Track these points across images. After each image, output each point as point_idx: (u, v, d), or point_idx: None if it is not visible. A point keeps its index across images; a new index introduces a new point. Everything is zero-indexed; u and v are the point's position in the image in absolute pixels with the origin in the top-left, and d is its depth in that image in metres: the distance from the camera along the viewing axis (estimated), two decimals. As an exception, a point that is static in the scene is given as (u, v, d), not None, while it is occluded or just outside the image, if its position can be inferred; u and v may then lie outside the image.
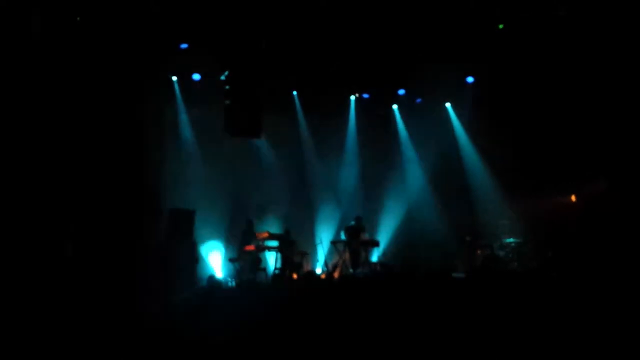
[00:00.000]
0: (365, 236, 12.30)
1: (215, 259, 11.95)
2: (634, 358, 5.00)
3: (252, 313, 7.29)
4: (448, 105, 13.97)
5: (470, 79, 12.94)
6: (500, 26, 10.90)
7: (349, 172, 13.61)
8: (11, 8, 8.75)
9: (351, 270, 11.81)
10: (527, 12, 10.26)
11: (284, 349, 5.90)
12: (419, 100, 13.79)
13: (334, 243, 12.40)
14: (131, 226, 10.04)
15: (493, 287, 8.19)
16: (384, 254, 12.97)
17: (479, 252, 12.23)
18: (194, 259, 10.64)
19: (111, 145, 10.59)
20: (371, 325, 6.35)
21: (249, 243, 11.48)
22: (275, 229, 12.14)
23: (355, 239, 12.09)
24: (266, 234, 11.64)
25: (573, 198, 13.14)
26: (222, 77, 11.02)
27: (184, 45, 10.85)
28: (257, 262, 11.42)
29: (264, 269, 11.61)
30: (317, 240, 12.51)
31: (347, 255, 12.09)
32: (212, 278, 10.61)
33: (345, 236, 12.22)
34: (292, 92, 13.18)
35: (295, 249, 11.85)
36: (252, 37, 10.75)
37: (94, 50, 10.13)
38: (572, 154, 12.18)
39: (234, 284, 11.01)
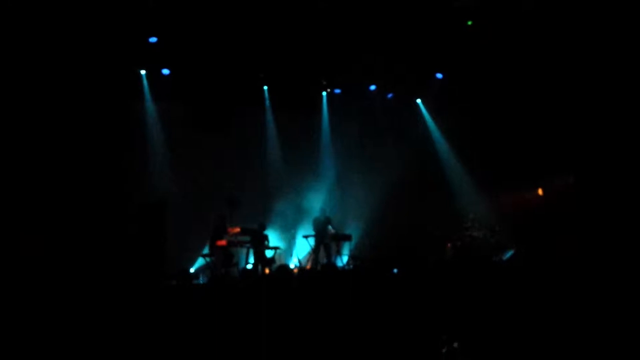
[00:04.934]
0: (330, 228, 12.31)
1: (187, 254, 11.83)
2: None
3: (224, 308, 7.28)
4: (419, 100, 14.15)
5: (439, 75, 13.10)
6: (469, 22, 11.07)
7: (321, 166, 13.65)
8: None
9: (323, 263, 11.85)
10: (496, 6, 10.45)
11: (257, 343, 5.91)
12: (390, 95, 13.89)
13: (306, 237, 12.44)
14: (99, 220, 9.92)
15: (463, 278, 8.37)
16: (356, 248, 13.07)
17: (449, 245, 12.41)
18: (163, 254, 10.51)
19: (77, 139, 10.43)
20: (345, 316, 6.42)
21: (221, 238, 11.38)
22: (247, 223, 12.07)
23: (322, 232, 12.16)
24: (238, 229, 11.56)
25: (540, 192, 13.44)
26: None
27: (153, 39, 10.69)
28: (229, 257, 11.36)
29: (236, 264, 11.55)
30: (290, 235, 12.50)
31: (319, 249, 12.16)
32: (183, 273, 10.49)
33: (313, 229, 12.29)
34: (262, 87, 13.08)
35: (267, 244, 11.82)
36: (224, 32, 10.69)
37: (60, 43, 9.93)
38: (540, 148, 12.46)
39: (205, 279, 10.92)
